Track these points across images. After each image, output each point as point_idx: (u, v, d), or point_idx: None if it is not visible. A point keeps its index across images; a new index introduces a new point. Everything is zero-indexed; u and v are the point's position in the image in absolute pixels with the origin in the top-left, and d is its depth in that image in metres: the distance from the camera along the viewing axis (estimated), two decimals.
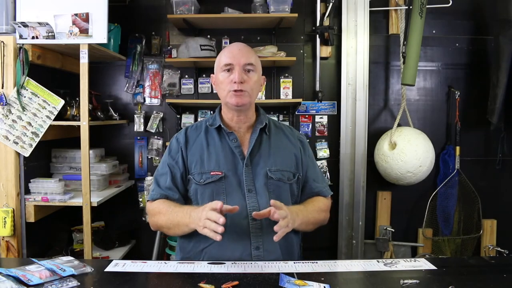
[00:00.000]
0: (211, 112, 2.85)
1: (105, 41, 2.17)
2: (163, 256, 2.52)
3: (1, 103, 2.09)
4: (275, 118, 2.81)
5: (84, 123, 2.18)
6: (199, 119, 2.82)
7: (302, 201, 1.53)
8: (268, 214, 1.26)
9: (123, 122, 2.79)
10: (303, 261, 1.32)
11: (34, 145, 2.15)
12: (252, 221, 1.38)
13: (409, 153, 2.51)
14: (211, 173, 1.43)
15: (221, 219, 1.19)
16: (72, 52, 2.35)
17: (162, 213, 1.42)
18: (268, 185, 1.44)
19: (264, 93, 2.79)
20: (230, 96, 1.44)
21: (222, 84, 1.46)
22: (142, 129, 2.82)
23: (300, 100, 2.66)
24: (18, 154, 2.15)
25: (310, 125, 2.85)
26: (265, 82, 1.57)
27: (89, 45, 2.16)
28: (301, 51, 2.83)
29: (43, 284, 1.08)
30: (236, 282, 1.12)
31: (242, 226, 1.38)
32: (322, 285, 1.10)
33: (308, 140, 2.79)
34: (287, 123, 2.80)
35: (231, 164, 1.45)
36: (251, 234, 1.38)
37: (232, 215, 1.38)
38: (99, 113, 2.52)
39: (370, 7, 2.70)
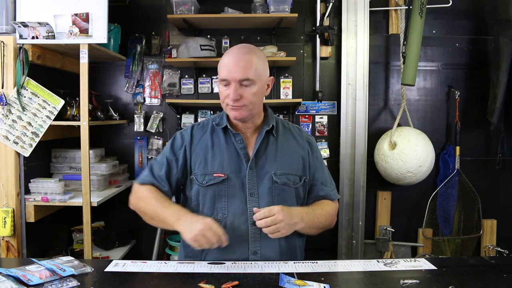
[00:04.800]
0: (211, 112, 2.85)
1: (105, 41, 2.17)
2: (163, 256, 2.52)
3: (1, 103, 2.09)
4: None
5: (84, 123, 2.18)
6: (199, 119, 2.82)
7: (309, 204, 1.50)
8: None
9: (123, 122, 2.79)
10: (303, 261, 1.32)
11: (34, 145, 2.15)
12: (252, 226, 1.36)
13: (409, 153, 2.51)
14: (214, 174, 1.41)
15: (220, 242, 1.25)
16: (72, 52, 2.35)
17: (149, 202, 1.40)
18: (273, 189, 1.41)
19: None
20: (229, 110, 1.40)
21: (221, 96, 1.40)
22: (142, 129, 2.82)
23: (300, 100, 2.66)
24: (18, 154, 2.15)
25: (310, 125, 2.85)
26: (273, 83, 1.51)
27: (89, 45, 2.16)
28: (301, 51, 2.83)
29: (43, 284, 1.08)
30: (236, 282, 1.12)
31: (241, 230, 1.37)
32: (322, 285, 1.10)
33: None
34: None
35: (235, 166, 1.41)
36: (250, 239, 1.37)
37: (232, 218, 1.38)
38: (99, 113, 2.52)
39: (370, 7, 2.70)
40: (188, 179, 1.47)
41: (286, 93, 2.81)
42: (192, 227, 1.24)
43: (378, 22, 2.82)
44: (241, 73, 1.34)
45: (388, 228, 2.72)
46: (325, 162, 2.80)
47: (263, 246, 1.37)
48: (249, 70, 1.35)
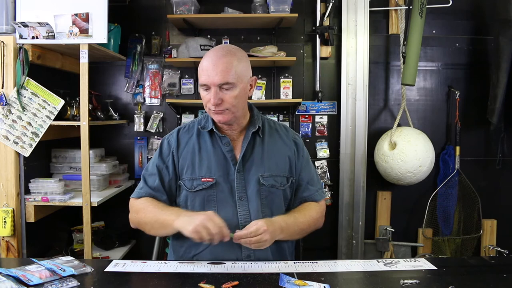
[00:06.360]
0: None
1: (105, 41, 2.17)
2: (163, 256, 2.52)
3: (1, 103, 2.09)
4: (275, 118, 2.81)
5: (84, 123, 2.18)
6: None
7: (295, 205, 1.49)
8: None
9: (123, 122, 2.79)
10: (303, 261, 1.32)
11: (34, 145, 2.15)
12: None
13: (409, 153, 2.51)
14: (202, 179, 1.39)
15: (225, 238, 1.23)
16: (72, 52, 2.35)
17: (148, 211, 1.37)
18: (261, 191, 1.40)
19: (264, 93, 2.80)
20: (212, 114, 1.38)
21: (203, 100, 1.37)
22: (142, 129, 2.82)
23: (300, 100, 2.66)
24: (18, 154, 2.15)
25: (310, 125, 2.85)
26: (256, 82, 1.47)
27: (89, 45, 2.16)
28: (301, 51, 2.83)
29: (43, 284, 1.08)
30: (236, 282, 1.12)
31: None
32: (322, 285, 1.10)
33: (308, 140, 2.82)
34: (287, 123, 2.81)
35: (223, 170, 1.40)
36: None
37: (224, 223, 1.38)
38: (99, 113, 2.52)
39: (370, 7, 2.70)
40: (176, 184, 1.45)
41: (286, 93, 2.81)
42: (193, 219, 1.22)
43: (378, 22, 2.82)
44: (220, 77, 1.30)
45: (388, 228, 2.72)
46: (325, 162, 2.81)
47: (255, 249, 1.35)
48: (229, 74, 1.31)
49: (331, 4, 2.66)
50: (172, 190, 1.45)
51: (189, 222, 1.22)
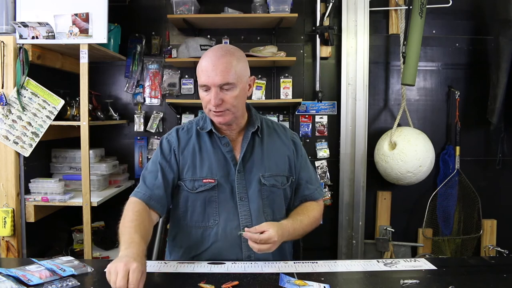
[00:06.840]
0: None
1: (105, 41, 2.17)
2: (163, 256, 2.52)
3: (1, 103, 2.09)
4: (275, 119, 2.81)
5: (84, 123, 2.18)
6: None
7: (296, 205, 1.49)
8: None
9: (123, 122, 2.80)
10: (303, 261, 1.32)
11: (34, 145, 2.15)
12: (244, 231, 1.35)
13: (409, 153, 2.51)
14: (204, 180, 1.39)
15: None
16: (72, 52, 2.35)
17: (123, 222, 1.32)
18: (262, 191, 1.40)
19: (264, 93, 2.80)
20: (212, 115, 1.36)
21: (203, 101, 1.36)
22: (142, 129, 2.82)
23: (300, 100, 2.66)
24: (18, 154, 2.15)
25: (310, 125, 2.85)
26: (254, 82, 1.46)
27: (89, 45, 2.16)
28: (301, 51, 2.83)
29: (43, 284, 1.08)
30: (236, 282, 1.12)
31: (234, 235, 1.36)
32: (322, 285, 1.10)
33: (308, 140, 2.82)
34: (287, 124, 2.81)
35: (223, 170, 1.40)
36: (243, 244, 1.35)
37: (224, 224, 1.37)
38: (99, 113, 2.52)
39: (370, 7, 2.70)
40: (176, 184, 1.43)
41: (286, 93, 2.81)
42: (119, 259, 1.07)
43: (378, 22, 2.82)
44: (220, 77, 1.29)
45: (388, 228, 2.72)
46: (325, 162, 2.81)
47: None
48: (229, 74, 1.30)
49: (331, 4, 2.66)
50: (172, 188, 1.44)
51: (116, 259, 1.09)
